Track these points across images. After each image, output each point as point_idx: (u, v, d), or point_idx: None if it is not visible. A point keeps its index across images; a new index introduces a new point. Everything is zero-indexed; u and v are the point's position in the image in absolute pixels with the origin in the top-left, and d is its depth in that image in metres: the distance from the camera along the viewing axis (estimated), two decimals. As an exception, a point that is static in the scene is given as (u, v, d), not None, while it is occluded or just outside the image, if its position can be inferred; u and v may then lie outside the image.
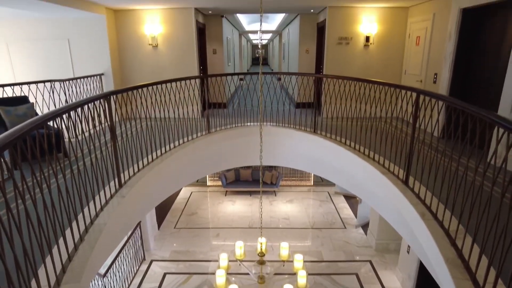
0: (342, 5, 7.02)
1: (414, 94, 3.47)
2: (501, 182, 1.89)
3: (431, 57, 6.09)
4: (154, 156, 4.44)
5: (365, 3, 6.79)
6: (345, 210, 10.46)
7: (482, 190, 2.11)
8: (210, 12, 8.30)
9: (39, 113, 5.24)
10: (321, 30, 8.22)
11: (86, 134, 2.76)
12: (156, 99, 4.46)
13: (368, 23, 7.12)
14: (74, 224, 2.48)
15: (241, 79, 14.92)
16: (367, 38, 7.16)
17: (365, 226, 9.08)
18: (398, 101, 3.97)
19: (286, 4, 6.81)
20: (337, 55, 7.34)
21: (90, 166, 2.93)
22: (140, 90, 4.06)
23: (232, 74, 5.91)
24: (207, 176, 12.21)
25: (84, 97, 5.41)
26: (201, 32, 8.48)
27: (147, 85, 4.23)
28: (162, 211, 10.05)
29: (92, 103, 2.96)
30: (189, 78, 5.28)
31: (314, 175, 12.29)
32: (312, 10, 8.15)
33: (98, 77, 7.01)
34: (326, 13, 7.29)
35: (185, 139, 5.22)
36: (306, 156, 6.02)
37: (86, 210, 2.76)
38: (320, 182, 12.41)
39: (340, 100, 5.14)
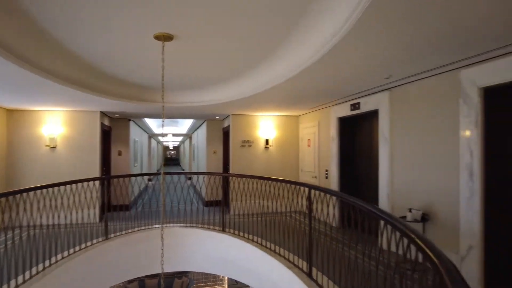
0: (243, 113, 7.87)
1: (307, 189, 3.84)
2: (396, 267, 2.10)
3: (321, 156, 6.97)
4: (34, 271, 3.77)
5: (261, 112, 7.73)
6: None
7: (377, 275, 2.30)
8: (117, 115, 8.37)
9: None
10: (226, 134, 8.88)
11: None
12: (45, 203, 4.02)
13: (266, 128, 8.00)
14: None
15: (149, 180, 14.48)
16: (267, 141, 7.96)
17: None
18: (298, 196, 4.31)
19: (190, 111, 7.32)
20: (242, 156, 7.88)
21: None
22: (25, 194, 3.64)
23: (135, 175, 5.77)
24: (106, 291, 10.54)
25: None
26: (106, 134, 8.35)
27: (35, 189, 3.82)
28: None
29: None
30: (88, 180, 4.98)
31: (228, 277, 11.63)
32: (217, 117, 8.88)
33: (-25, 181, 6.10)
34: (230, 120, 8.02)
35: (77, 248, 4.62)
36: (217, 257, 5.79)
37: None
38: (235, 284, 11.74)
39: (245, 197, 5.34)
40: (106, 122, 8.11)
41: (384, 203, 4.92)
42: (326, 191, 3.44)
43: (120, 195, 5.71)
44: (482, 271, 3.51)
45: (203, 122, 10.40)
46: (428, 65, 3.77)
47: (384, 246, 2.34)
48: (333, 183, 6.35)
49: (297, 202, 4.17)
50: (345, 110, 6.00)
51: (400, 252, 1.90)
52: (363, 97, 5.44)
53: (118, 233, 5.42)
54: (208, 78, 5.19)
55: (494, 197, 3.52)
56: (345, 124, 6.27)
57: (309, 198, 3.75)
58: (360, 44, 3.03)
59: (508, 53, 3.19)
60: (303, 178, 7.88)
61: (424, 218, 4.16)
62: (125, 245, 5.39)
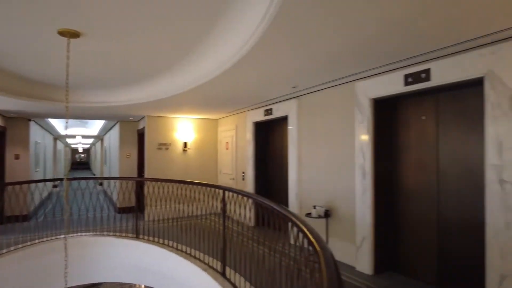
0: (160, 115, 7.68)
1: (222, 191, 3.96)
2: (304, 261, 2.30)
3: (238, 158, 7.20)
4: None
5: (179, 114, 7.65)
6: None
7: (281, 267, 2.50)
8: (13, 115, 7.43)
9: None
10: (141, 136, 8.55)
11: None
12: None
13: (185, 131, 7.94)
14: None
15: (54, 186, 13.14)
16: (185, 144, 7.90)
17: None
18: (213, 199, 4.40)
19: (100, 112, 6.89)
20: (158, 159, 7.68)
21: None
22: None
23: (36, 181, 5.22)
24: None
25: None
26: (0, 136, 7.36)
27: None
28: None
29: None
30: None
31: (144, 285, 11.14)
32: (131, 118, 8.49)
33: None
34: (145, 121, 7.75)
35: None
36: (132, 266, 5.54)
37: None
38: (152, 293, 11.31)
39: (160, 202, 5.24)
40: (0, 122, 7.16)
41: (293, 201, 5.32)
42: (239, 192, 3.60)
43: (17, 204, 5.09)
44: (372, 258, 4.04)
45: (116, 123, 9.83)
46: (329, 77, 4.21)
47: (292, 241, 2.57)
48: (249, 184, 6.61)
49: (212, 205, 4.27)
50: (259, 115, 6.31)
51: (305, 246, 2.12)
52: (275, 103, 5.80)
53: (12, 248, 4.83)
54: (121, 78, 4.97)
55: (381, 193, 4.10)
56: (260, 128, 6.60)
57: (223, 200, 3.87)
58: (264, 57, 3.29)
59: (388, 71, 3.78)
60: (222, 180, 8.02)
61: (327, 214, 4.62)
62: (22, 261, 4.83)
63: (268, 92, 5.05)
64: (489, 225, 2.93)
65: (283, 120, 5.78)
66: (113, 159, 10.95)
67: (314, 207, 4.66)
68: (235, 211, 3.67)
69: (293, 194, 5.34)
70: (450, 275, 3.56)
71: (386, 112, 4.15)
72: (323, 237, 4.65)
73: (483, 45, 2.95)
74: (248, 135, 6.70)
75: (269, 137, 6.59)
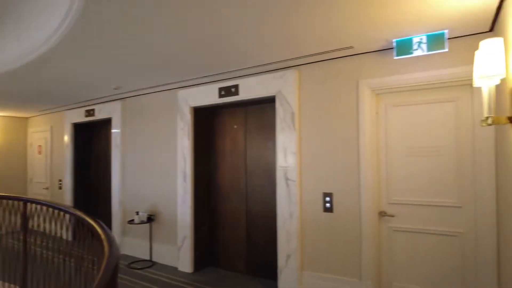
0: None
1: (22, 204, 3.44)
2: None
3: (54, 164, 6.35)
4: None
5: (-28, 110, 6.16)
6: None
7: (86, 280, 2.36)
8: None
9: None
10: None
11: None
12: None
13: (-21, 131, 6.43)
14: None
15: None
16: (-21, 147, 6.40)
17: None
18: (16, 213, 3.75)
19: None
20: None
21: None
22: None
23: None
24: None
25: None
26: None
27: None
28: None
29: None
30: None
31: None
32: None
33: None
34: None
35: None
36: None
37: None
38: None
39: None
40: None
41: (116, 209, 5.11)
42: (44, 203, 3.22)
43: None
44: (192, 256, 4.31)
45: None
46: (152, 82, 4.26)
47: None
48: (68, 193, 5.93)
49: (10, 221, 3.64)
50: (80, 116, 5.75)
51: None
52: (98, 104, 5.43)
53: None
54: None
55: (200, 193, 4.44)
56: (80, 130, 6.01)
57: (24, 214, 3.38)
58: (69, 57, 3.10)
59: (206, 83, 4.17)
60: (33, 191, 6.88)
61: (151, 218, 4.65)
62: None
63: (88, 91, 4.68)
64: (279, 215, 3.61)
65: (107, 122, 5.46)
66: None
67: (137, 213, 4.60)
68: (39, 225, 3.25)
69: (116, 201, 5.12)
70: (255, 261, 4.18)
71: (205, 120, 4.52)
72: (147, 242, 4.67)
73: (276, 69, 3.63)
74: (66, 138, 5.99)
75: (91, 141, 6.09)
